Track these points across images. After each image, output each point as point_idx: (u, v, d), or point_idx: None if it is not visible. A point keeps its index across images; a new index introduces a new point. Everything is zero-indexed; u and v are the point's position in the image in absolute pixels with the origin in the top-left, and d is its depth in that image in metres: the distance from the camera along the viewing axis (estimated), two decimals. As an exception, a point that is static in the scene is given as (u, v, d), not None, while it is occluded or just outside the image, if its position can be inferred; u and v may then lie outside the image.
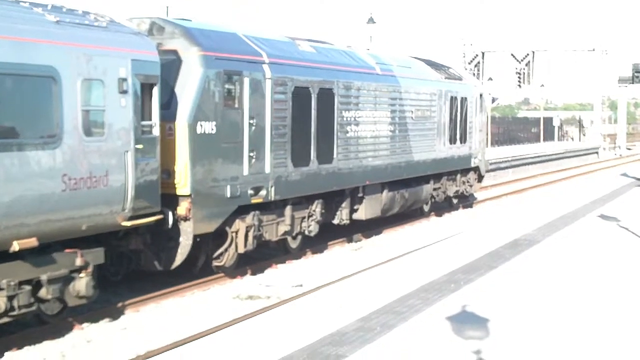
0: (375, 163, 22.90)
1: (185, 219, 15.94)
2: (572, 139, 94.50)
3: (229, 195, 16.89)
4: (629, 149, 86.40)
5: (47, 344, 13.21)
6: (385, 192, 23.67)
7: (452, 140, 28.23)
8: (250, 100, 17.45)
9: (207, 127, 16.33)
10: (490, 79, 69.55)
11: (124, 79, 14.08)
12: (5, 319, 12.51)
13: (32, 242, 12.39)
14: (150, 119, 14.93)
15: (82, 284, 13.53)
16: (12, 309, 12.42)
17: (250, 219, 17.78)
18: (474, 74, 64.96)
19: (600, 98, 79.82)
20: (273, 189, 18.29)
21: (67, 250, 13.33)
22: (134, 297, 15.98)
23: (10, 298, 12.34)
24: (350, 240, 23.41)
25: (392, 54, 27.06)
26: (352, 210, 22.55)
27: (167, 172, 15.71)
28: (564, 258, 17.45)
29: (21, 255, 12.43)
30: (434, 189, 27.76)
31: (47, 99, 12.70)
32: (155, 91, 15.00)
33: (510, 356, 10.61)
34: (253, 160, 17.58)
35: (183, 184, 15.90)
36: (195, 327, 13.96)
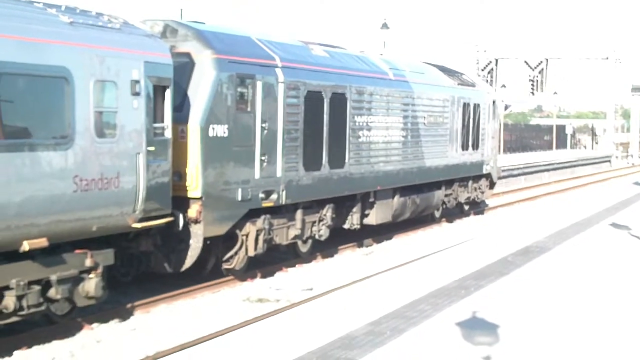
0: (387, 168, 22.88)
1: (196, 221, 15.94)
2: (585, 147, 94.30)
3: (240, 198, 16.89)
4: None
5: (56, 344, 13.22)
6: (396, 198, 23.64)
7: (465, 147, 28.20)
8: (262, 104, 17.45)
9: (219, 130, 16.34)
10: (503, 85, 69.53)
11: (137, 81, 14.10)
12: (15, 319, 12.52)
13: (43, 242, 12.40)
14: (162, 121, 14.95)
15: (91, 284, 13.53)
16: (21, 308, 12.43)
17: (260, 222, 17.78)
18: (487, 81, 64.93)
19: (614, 106, 79.67)
20: (284, 192, 18.29)
21: (77, 251, 13.34)
22: (144, 298, 15.99)
23: (19, 298, 12.34)
24: (360, 245, 23.38)
25: (405, 59, 27.05)
26: (363, 215, 22.53)
27: (179, 175, 15.71)
28: (575, 266, 17.39)
29: (31, 255, 12.44)
30: (446, 195, 27.72)
31: (60, 99, 12.72)
32: (168, 93, 15.02)
33: (519, 362, 10.59)
34: (264, 164, 17.58)
35: (194, 186, 15.90)
36: (205, 329, 13.96)
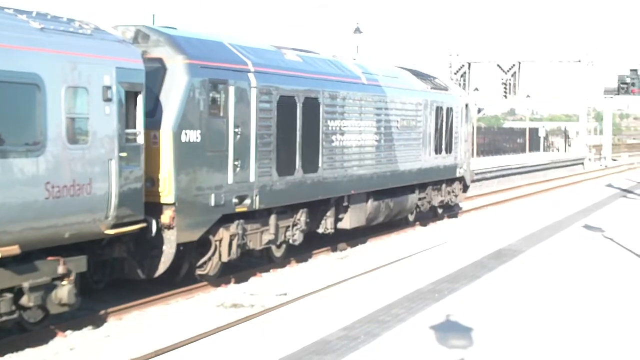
0: (360, 172, 22.91)
1: (169, 227, 15.90)
2: (558, 149, 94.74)
3: (213, 204, 16.85)
4: (615, 160, 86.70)
5: (29, 352, 13.15)
6: (370, 202, 23.68)
7: (438, 150, 28.29)
8: (235, 109, 17.43)
9: (192, 135, 16.31)
10: (476, 89, 69.73)
11: (109, 87, 14.05)
12: (-13, 327, 12.46)
13: (14, 249, 12.32)
14: (134, 127, 14.90)
15: (64, 291, 13.47)
16: (-7, 316, 12.38)
17: (234, 227, 17.75)
18: (460, 85, 65.13)
19: (586, 109, 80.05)
20: (257, 197, 18.27)
21: (49, 258, 13.27)
22: (117, 304, 15.91)
23: (-9, 306, 12.28)
24: (335, 249, 23.40)
25: (378, 63, 27.11)
26: (337, 220, 22.55)
27: (151, 181, 15.66)
28: (548, 268, 17.48)
29: (3, 262, 12.35)
30: (419, 199, 27.79)
31: (31, 106, 12.65)
32: (140, 99, 14.97)
33: (493, 365, 10.63)
34: (238, 169, 17.56)
35: (167, 192, 15.86)
36: (179, 335, 13.92)
